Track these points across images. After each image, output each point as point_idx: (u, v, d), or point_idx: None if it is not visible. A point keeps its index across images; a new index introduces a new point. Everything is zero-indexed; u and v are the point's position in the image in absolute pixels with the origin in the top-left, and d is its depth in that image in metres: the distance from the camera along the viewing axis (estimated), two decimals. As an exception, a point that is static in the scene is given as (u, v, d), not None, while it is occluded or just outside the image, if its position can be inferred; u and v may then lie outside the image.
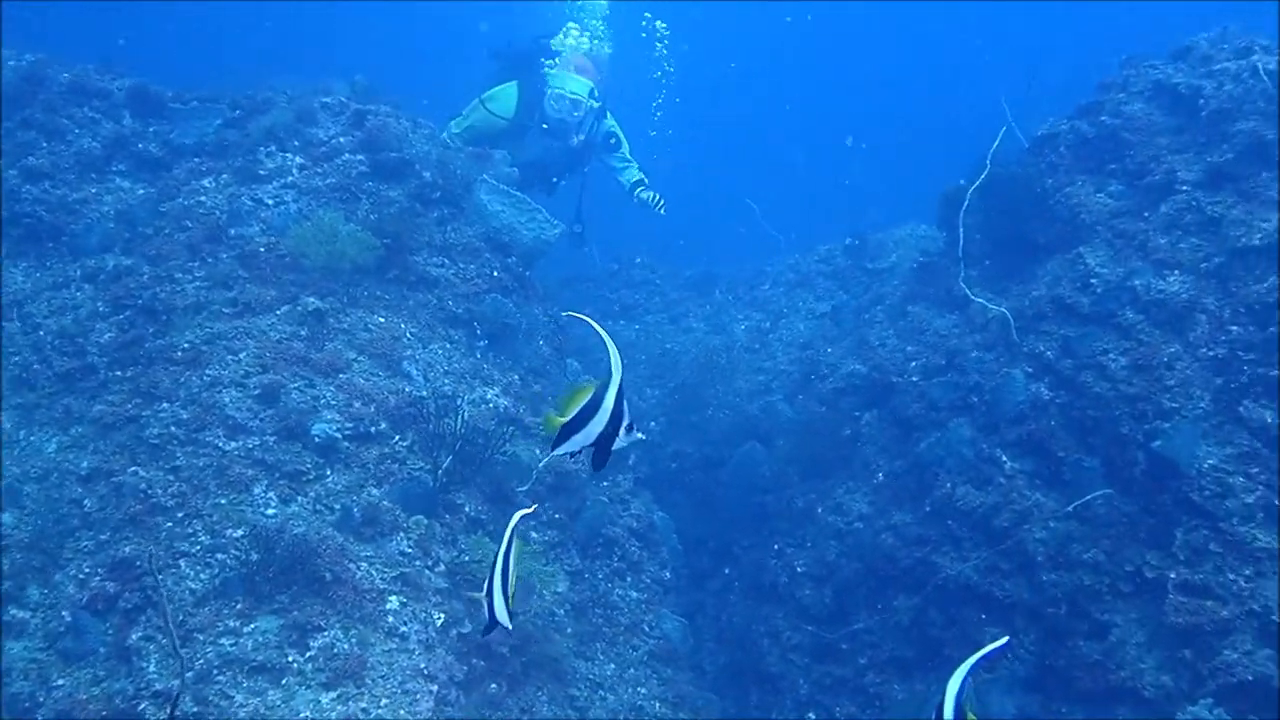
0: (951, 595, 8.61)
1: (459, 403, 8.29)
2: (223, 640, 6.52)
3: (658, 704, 8.45)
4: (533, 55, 12.10)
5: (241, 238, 8.90)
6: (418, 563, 7.31)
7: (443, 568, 7.46)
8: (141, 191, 9.51)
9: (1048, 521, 8.23)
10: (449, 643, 7.09)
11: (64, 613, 6.80)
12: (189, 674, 6.33)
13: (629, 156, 12.58)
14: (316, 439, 7.55)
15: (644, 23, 16.19)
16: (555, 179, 12.49)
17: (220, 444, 7.47)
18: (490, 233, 9.86)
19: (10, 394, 8.15)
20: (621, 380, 4.07)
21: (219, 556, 6.89)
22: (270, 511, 7.17)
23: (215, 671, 6.36)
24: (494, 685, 7.42)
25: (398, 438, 7.91)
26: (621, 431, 4.13)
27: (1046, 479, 8.46)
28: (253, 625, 6.61)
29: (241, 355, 7.97)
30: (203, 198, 9.21)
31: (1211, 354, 8.00)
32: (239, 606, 6.69)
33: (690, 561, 10.51)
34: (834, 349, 11.37)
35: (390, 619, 6.84)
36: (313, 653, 6.52)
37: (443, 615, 7.14)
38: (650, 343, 13.39)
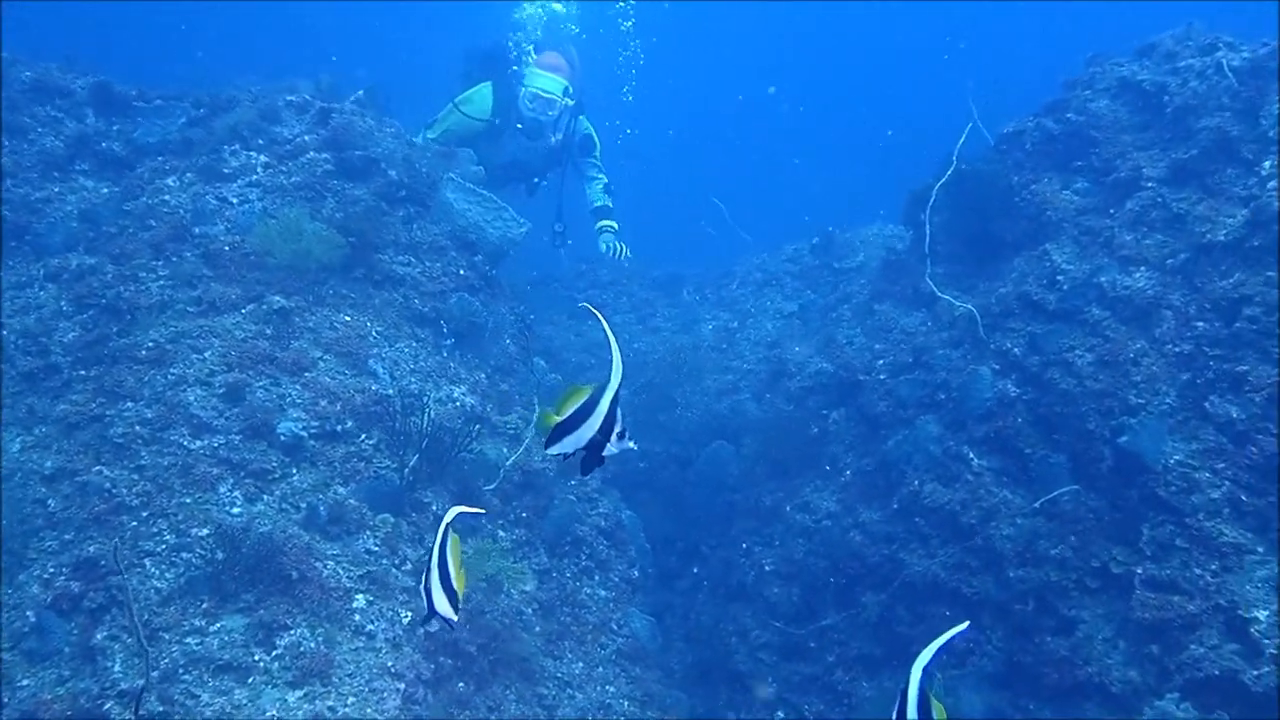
0: (919, 592, 8.62)
1: (425, 401, 8.27)
2: (188, 639, 6.48)
3: (626, 702, 8.43)
4: (505, 54, 12.04)
5: (206, 236, 8.85)
6: (384, 561, 7.29)
7: (410, 566, 7.44)
8: (105, 190, 9.46)
9: (1015, 518, 8.24)
10: (416, 641, 7.06)
11: (28, 613, 6.74)
12: (154, 673, 6.29)
13: (599, 163, 12.57)
14: (282, 437, 7.52)
15: (622, 23, 16.22)
16: (536, 179, 12.46)
17: (185, 443, 7.43)
18: (456, 231, 9.83)
19: (-26, 394, 8.10)
20: (619, 387, 4.05)
21: (184, 555, 6.85)
22: (236, 510, 7.14)
23: (181, 670, 6.32)
24: (462, 684, 7.40)
25: (364, 436, 7.88)
26: (613, 438, 4.11)
27: (1014, 476, 8.47)
28: (219, 624, 6.58)
29: (206, 354, 7.93)
30: (167, 196, 9.15)
31: (1178, 350, 8.02)
32: (205, 605, 6.65)
33: (658, 561, 10.49)
34: (801, 348, 11.37)
35: (357, 617, 6.82)
36: (279, 651, 6.49)
37: (410, 614, 7.12)
38: (618, 341, 13.35)
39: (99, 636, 6.54)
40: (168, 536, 6.94)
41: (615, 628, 8.92)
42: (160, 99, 10.11)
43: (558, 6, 13.83)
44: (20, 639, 6.69)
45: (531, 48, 11.99)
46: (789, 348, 11.58)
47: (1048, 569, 7.95)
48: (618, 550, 9.45)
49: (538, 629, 8.32)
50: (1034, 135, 9.73)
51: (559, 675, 8.26)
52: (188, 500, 7.13)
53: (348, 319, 8.63)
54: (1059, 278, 8.67)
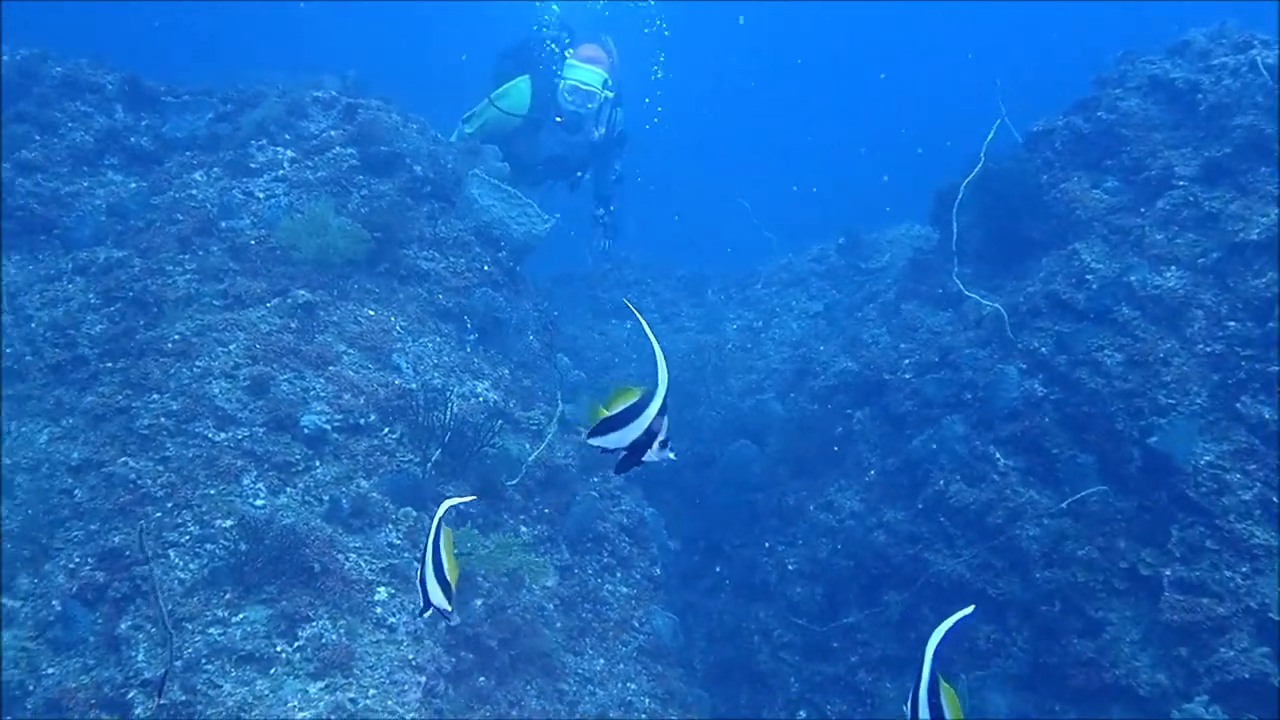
0: (944, 593, 8.55)
1: (448, 396, 8.25)
2: (211, 630, 6.48)
3: (647, 699, 8.40)
4: (540, 48, 11.93)
5: (232, 230, 8.87)
6: (406, 554, 7.28)
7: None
8: (133, 185, 9.49)
9: (1041, 518, 8.17)
10: (437, 635, 7.06)
11: (54, 602, 6.75)
12: (177, 662, 6.29)
13: (621, 157, 12.52)
14: (306, 430, 7.52)
15: (649, 27, 16.17)
16: (580, 174, 12.37)
17: (210, 435, 7.44)
18: (481, 227, 9.82)
19: (2, 385, 8.10)
20: (666, 395, 4.04)
21: (208, 547, 6.86)
22: (259, 502, 7.14)
23: (204, 660, 6.32)
24: (483, 678, 7.38)
25: (387, 430, 7.88)
26: (655, 445, 4.09)
27: (1040, 476, 8.40)
28: (241, 615, 6.58)
29: (231, 347, 7.94)
30: (194, 191, 9.18)
31: (1209, 350, 7.96)
32: (227, 596, 6.66)
33: (681, 560, 10.46)
34: (826, 347, 11.33)
35: (379, 610, 6.80)
36: (301, 643, 6.48)
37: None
38: (641, 341, 13.32)
39: (123, 626, 6.55)
40: (192, 528, 6.95)
41: (637, 625, 8.89)
42: (189, 94, 10.15)
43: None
44: (46, 628, 6.70)
45: (569, 39, 11.91)
46: (814, 347, 11.53)
47: (1075, 570, 7.88)
48: (640, 548, 9.42)
49: (559, 625, 8.30)
50: (1064, 134, 9.68)
51: (580, 671, 8.23)
52: (212, 492, 7.13)
53: (372, 313, 8.62)
54: (1088, 277, 8.61)
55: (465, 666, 7.29)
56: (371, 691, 6.36)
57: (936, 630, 4.17)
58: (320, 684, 6.32)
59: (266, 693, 6.24)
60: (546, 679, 7.94)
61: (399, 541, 7.32)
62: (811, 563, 9.54)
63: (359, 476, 7.54)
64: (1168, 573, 7.49)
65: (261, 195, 9.19)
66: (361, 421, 7.77)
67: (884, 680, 8.78)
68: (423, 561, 4.82)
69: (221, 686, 6.23)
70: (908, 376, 9.69)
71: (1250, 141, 8.38)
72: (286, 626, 6.54)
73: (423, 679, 6.60)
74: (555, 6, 12.43)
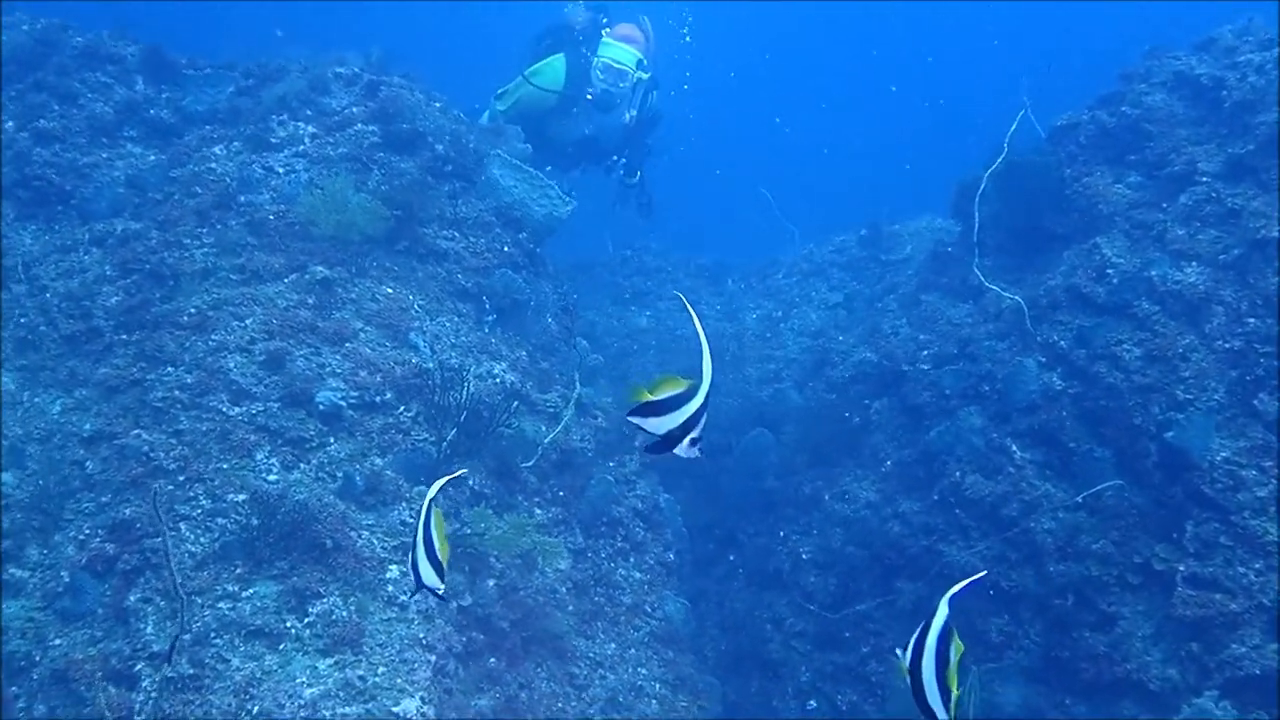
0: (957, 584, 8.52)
1: (465, 376, 8.22)
2: (221, 604, 6.47)
3: (658, 685, 8.38)
4: (576, 27, 11.80)
5: (251, 205, 8.84)
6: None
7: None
8: (152, 157, 9.46)
9: (1056, 512, 8.15)
10: (448, 614, 7.03)
11: (63, 573, 6.76)
12: (186, 635, 6.28)
13: (654, 141, 12.44)
14: (321, 406, 7.49)
15: (679, 23, 16.10)
16: (615, 157, 12.26)
17: (224, 409, 7.42)
18: (502, 208, 9.78)
19: (15, 355, 8.10)
20: (709, 394, 4.05)
21: (219, 521, 6.84)
22: (272, 477, 7.12)
23: (213, 634, 6.31)
24: (493, 659, 7.37)
25: (403, 408, 7.84)
26: (686, 441, 4.10)
27: (1056, 469, 8.38)
28: (251, 590, 6.56)
29: (248, 321, 7.91)
30: (213, 164, 9.14)
31: (1228, 346, 7.93)
32: (238, 571, 6.64)
33: (695, 547, 10.44)
34: (845, 337, 11.30)
35: (390, 588, 6.78)
36: (311, 619, 6.46)
37: (443, 586, 7.08)
38: (661, 329, 13.31)
39: (132, 598, 6.54)
40: (203, 501, 6.93)
41: (649, 610, 8.87)
42: (210, 68, 10.10)
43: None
44: (54, 599, 6.71)
45: (606, 20, 11.79)
46: (833, 337, 11.51)
47: (1089, 564, 7.86)
48: (654, 533, 9.39)
49: (571, 608, 8.27)
50: (1088, 128, 9.63)
51: (591, 655, 8.21)
52: (225, 466, 7.11)
53: (390, 291, 8.59)
54: (1109, 271, 8.57)
55: (476, 647, 7.28)
56: (381, 669, 6.33)
57: (956, 585, 4.15)
58: (329, 660, 6.30)
59: (275, 668, 6.23)
60: (557, 662, 7.92)
61: (412, 520, 7.28)
62: (825, 552, 9.52)
63: (373, 454, 7.51)
64: (1181, 568, 7.47)
65: (281, 170, 9.16)
66: (377, 399, 7.74)
67: (895, 671, 8.75)
68: (414, 542, 4.77)
69: (230, 661, 6.22)
70: (926, 368, 9.66)
71: (1274, 138, 8.32)
72: (297, 602, 6.52)
73: (433, 658, 6.57)
74: None
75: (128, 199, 9.02)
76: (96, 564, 6.73)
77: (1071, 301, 8.71)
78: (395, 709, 6.18)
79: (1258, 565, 7.23)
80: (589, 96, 11.55)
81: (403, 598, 6.74)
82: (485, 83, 12.41)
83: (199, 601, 6.46)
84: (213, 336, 7.80)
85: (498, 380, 8.64)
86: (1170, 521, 7.69)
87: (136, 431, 7.32)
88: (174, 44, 10.33)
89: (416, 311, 8.60)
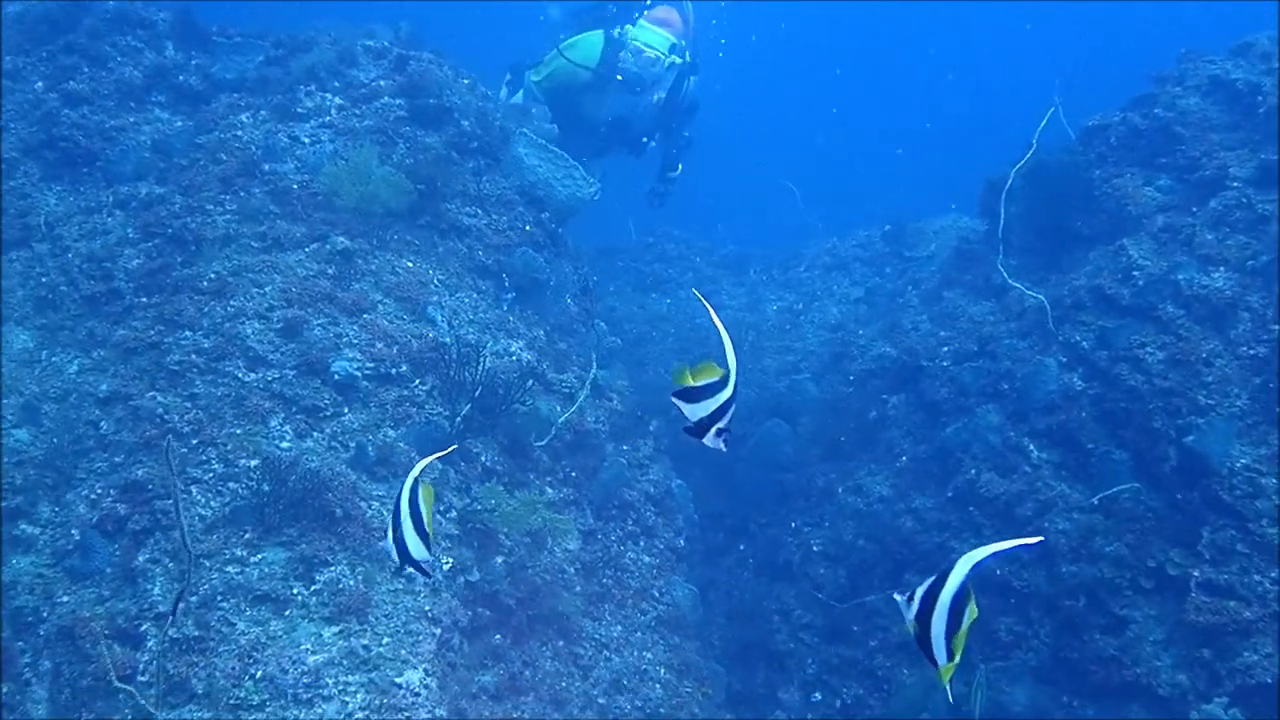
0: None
1: (482, 352, 8.19)
2: (229, 568, 6.47)
3: (662, 669, 8.36)
4: (611, 4, 11.71)
5: (275, 174, 8.82)
6: (430, 506, 7.23)
7: (454, 514, 7.39)
8: (179, 123, 9.43)
9: (1072, 513, 8.10)
10: (456, 589, 7.03)
11: (73, 531, 6.75)
12: (193, 597, 6.27)
13: (686, 134, 12.36)
14: (336, 376, 7.47)
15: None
16: (646, 139, 12.17)
17: (240, 374, 7.41)
18: (525, 186, 9.75)
19: (35, 314, 8.11)
20: (734, 390, 4.07)
21: (231, 485, 6.84)
22: (285, 444, 7.11)
23: (219, 598, 6.31)
24: (498, 636, 7.36)
25: (418, 381, 7.82)
26: (713, 430, 4.11)
27: (1073, 470, 8.33)
28: (260, 555, 6.56)
29: (267, 289, 7.89)
30: (239, 132, 9.12)
31: (1252, 352, 7.88)
32: (247, 536, 6.63)
33: (706, 536, 10.41)
34: (865, 331, 11.27)
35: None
36: (318, 587, 6.46)
37: (451, 560, 7.07)
38: (680, 316, 13.29)
39: (141, 559, 6.55)
40: (215, 465, 6.92)
41: (657, 595, 8.84)
42: (240, 36, 10.07)
43: None
44: (63, 556, 6.71)
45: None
46: (853, 330, 11.49)
47: (1102, 566, 7.81)
48: (665, 518, 9.36)
49: (578, 589, 8.26)
50: (1119, 129, 9.58)
51: (597, 636, 8.19)
52: (238, 431, 7.10)
53: (410, 265, 8.57)
54: (1135, 273, 8.51)
55: (482, 622, 7.27)
56: (385, 639, 6.32)
57: (992, 546, 3.80)
58: (334, 629, 6.29)
59: (280, 634, 6.22)
60: (563, 641, 7.91)
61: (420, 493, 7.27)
62: (836, 545, 9.48)
63: (387, 425, 7.50)
64: (1196, 574, 7.43)
65: (307, 140, 9.14)
66: (393, 371, 7.72)
67: (902, 666, 8.73)
68: (395, 518, 4.70)
69: (235, 625, 6.22)
70: (945, 364, 9.61)
71: (1308, 145, 8.28)
72: (304, 569, 6.52)
73: (438, 631, 6.56)
74: None
75: (153, 163, 9.00)
76: (107, 523, 6.73)
77: (1095, 302, 8.67)
78: (398, 680, 6.17)
79: (1274, 574, 7.18)
80: (619, 78, 11.47)
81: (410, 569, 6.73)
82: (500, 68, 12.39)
83: (207, 565, 6.46)
84: (231, 302, 7.78)
85: (514, 358, 8.62)
86: (1187, 527, 7.64)
87: (152, 394, 7.31)
88: (205, 11, 10.31)
89: (436, 286, 8.58)
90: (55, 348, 7.93)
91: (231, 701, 5.96)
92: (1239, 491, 7.45)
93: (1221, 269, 8.27)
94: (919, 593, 3.83)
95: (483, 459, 7.92)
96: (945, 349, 9.75)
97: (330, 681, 6.06)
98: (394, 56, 9.94)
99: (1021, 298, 9.25)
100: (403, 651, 6.30)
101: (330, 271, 8.18)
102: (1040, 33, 36.09)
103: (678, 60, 11.52)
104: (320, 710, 5.98)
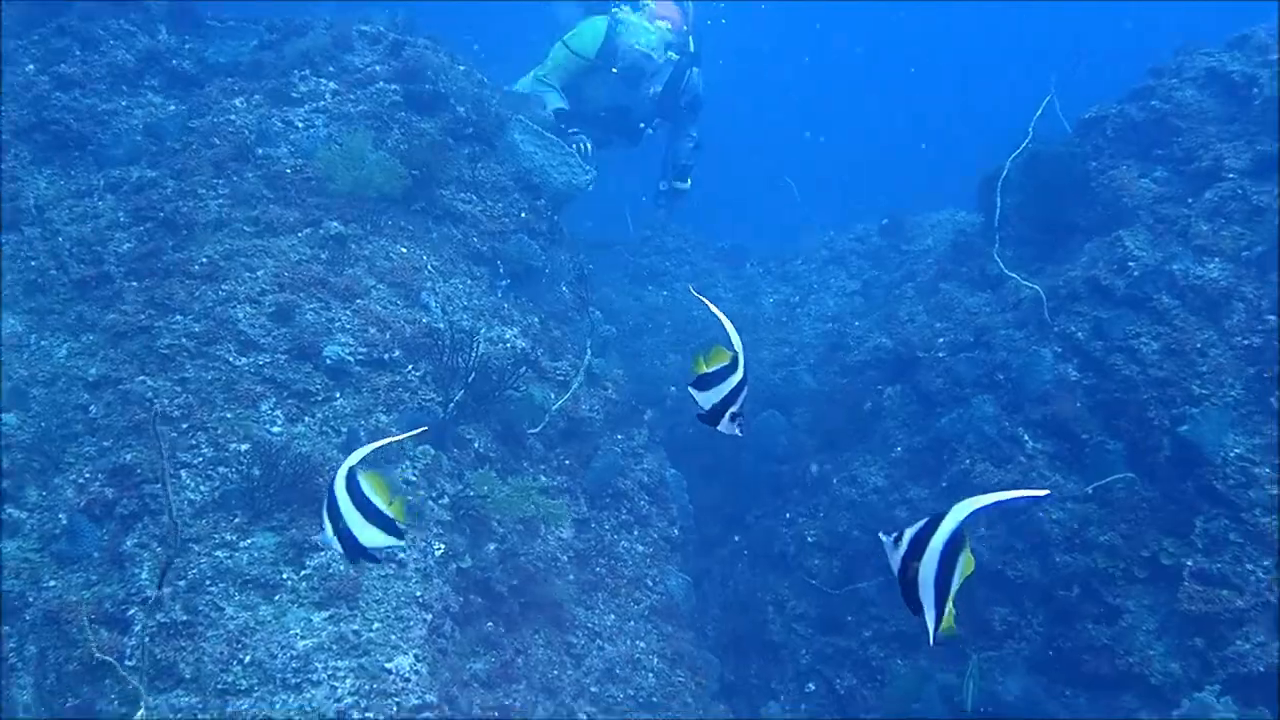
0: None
1: (475, 338, 8.16)
2: (218, 553, 6.44)
3: (655, 659, 8.33)
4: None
5: (269, 158, 8.78)
6: (421, 492, 7.20)
7: (447, 500, 7.36)
8: (172, 107, 9.38)
9: (1065, 503, 8.08)
10: (447, 575, 7.00)
11: (61, 515, 6.73)
12: (181, 582, 6.24)
13: (697, 123, 12.32)
14: (328, 360, 7.44)
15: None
16: (642, 125, 12.11)
17: (231, 359, 7.37)
18: (521, 173, 9.72)
19: (24, 298, 8.06)
20: (744, 372, 4.12)
21: (220, 470, 6.80)
22: (276, 429, 7.07)
23: (208, 582, 6.28)
24: (490, 623, 7.33)
25: (410, 367, 7.79)
26: (726, 416, 4.12)
27: (1068, 460, 8.31)
28: (249, 540, 6.53)
29: (259, 273, 7.86)
30: (233, 116, 9.07)
31: (1246, 343, 7.85)
32: (237, 520, 6.61)
33: (700, 527, 10.38)
34: (861, 323, 11.24)
35: (389, 545, 6.73)
36: (308, 572, 6.43)
37: (443, 546, 7.04)
38: (677, 309, 13.25)
39: (129, 543, 6.51)
40: (205, 450, 6.89)
41: (650, 584, 8.81)
42: (235, 20, 10.05)
43: None
44: (50, 541, 6.68)
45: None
46: (849, 322, 11.47)
47: (1096, 556, 7.79)
48: (659, 507, 9.34)
49: (571, 577, 8.23)
50: (1115, 121, 9.56)
51: (589, 625, 8.16)
52: (228, 415, 7.06)
53: (404, 250, 8.53)
54: (1130, 264, 8.49)
55: (474, 609, 7.24)
56: (376, 625, 6.29)
57: (995, 495, 3.50)
58: (324, 614, 6.27)
59: (269, 619, 6.20)
60: (555, 630, 7.88)
61: (414, 479, 7.24)
62: (831, 535, 9.46)
63: (379, 411, 7.46)
64: (1189, 563, 7.40)
65: (301, 125, 9.11)
66: (385, 357, 7.68)
67: (895, 657, 8.71)
68: (333, 508, 4.53)
69: (224, 609, 6.19)
70: (941, 355, 9.59)
71: (1304, 136, 8.25)
72: (294, 554, 6.49)
73: (429, 616, 6.53)
74: None
75: (145, 147, 8.95)
76: (95, 508, 6.70)
77: (1091, 293, 8.64)
78: (388, 665, 6.15)
79: (1266, 563, 7.16)
80: (614, 70, 11.45)
81: (401, 555, 6.70)
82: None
83: (196, 549, 6.44)
84: (223, 286, 7.74)
85: (508, 345, 8.59)
86: (1180, 516, 7.61)
87: (141, 378, 7.27)
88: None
89: (430, 272, 8.54)
90: (44, 332, 7.88)
91: (220, 686, 5.94)
92: (1232, 481, 7.42)
93: (1217, 260, 8.24)
94: (908, 534, 3.62)
95: (476, 445, 7.89)
96: (941, 340, 9.73)
97: (320, 666, 6.04)
98: (390, 42, 9.91)
99: (1017, 288, 9.23)
100: (393, 637, 6.27)
101: (323, 256, 8.15)
102: (1040, 33, 36.07)
103: (673, 56, 11.49)
104: (309, 695, 5.95)
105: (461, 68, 10.10)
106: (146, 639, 6.04)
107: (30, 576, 6.52)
